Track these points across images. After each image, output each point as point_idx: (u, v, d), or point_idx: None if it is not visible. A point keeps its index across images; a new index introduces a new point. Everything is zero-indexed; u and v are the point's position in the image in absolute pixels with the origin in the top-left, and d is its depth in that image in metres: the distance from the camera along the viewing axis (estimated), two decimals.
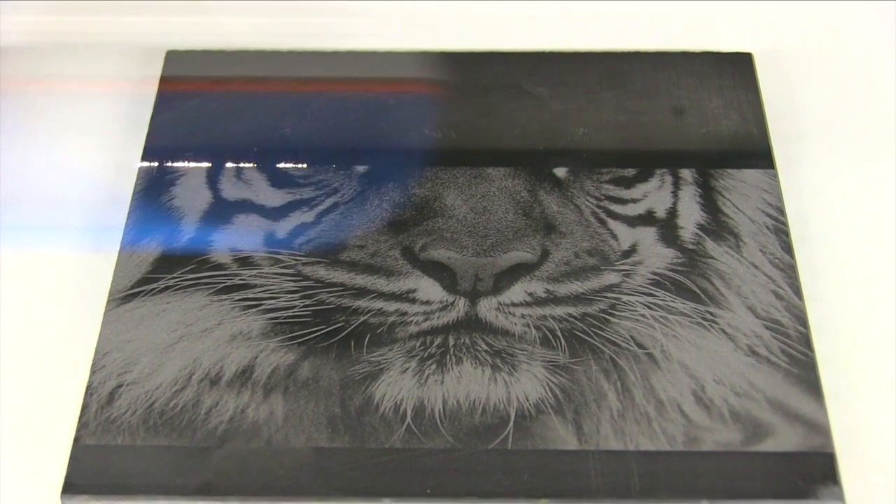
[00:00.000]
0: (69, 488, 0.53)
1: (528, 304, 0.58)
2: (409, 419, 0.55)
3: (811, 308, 0.59)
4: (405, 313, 0.58)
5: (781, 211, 0.62)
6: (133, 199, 0.62)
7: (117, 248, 0.61)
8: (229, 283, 0.59)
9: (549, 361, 0.56)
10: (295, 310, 0.58)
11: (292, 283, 0.59)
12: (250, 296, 0.59)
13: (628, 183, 0.63)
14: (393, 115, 0.66)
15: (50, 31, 0.74)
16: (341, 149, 0.64)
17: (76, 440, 0.54)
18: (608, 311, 0.58)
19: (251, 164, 0.64)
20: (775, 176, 0.63)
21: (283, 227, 0.61)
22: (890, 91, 0.70)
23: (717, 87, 0.67)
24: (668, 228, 0.61)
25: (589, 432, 0.55)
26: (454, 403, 0.55)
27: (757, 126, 0.66)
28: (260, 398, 0.56)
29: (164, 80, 0.68)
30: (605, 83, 0.68)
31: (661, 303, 0.58)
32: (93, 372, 0.56)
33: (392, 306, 0.58)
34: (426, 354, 0.56)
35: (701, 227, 0.61)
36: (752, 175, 0.63)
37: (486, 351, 0.57)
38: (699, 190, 0.63)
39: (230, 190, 0.63)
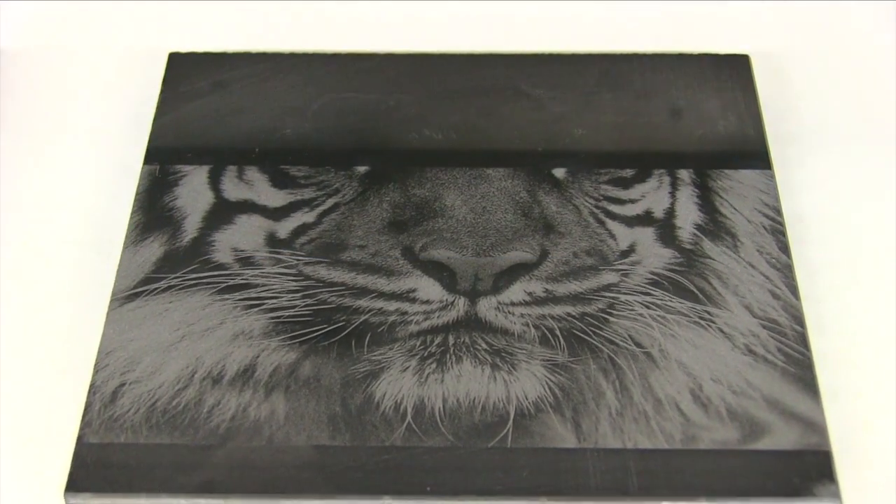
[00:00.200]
0: (72, 486, 0.53)
1: (527, 304, 0.58)
2: (409, 417, 0.55)
3: (808, 307, 0.59)
4: (405, 313, 0.58)
5: (778, 211, 0.62)
6: (136, 200, 0.63)
7: (120, 247, 0.61)
8: (231, 282, 0.59)
9: (548, 360, 0.56)
10: (296, 309, 0.58)
11: (293, 283, 0.59)
12: (252, 295, 0.59)
13: (626, 183, 0.63)
14: (393, 116, 0.66)
15: (54, 33, 0.74)
16: (342, 150, 0.65)
17: (79, 438, 0.54)
18: (607, 311, 0.58)
19: (253, 165, 0.64)
20: (772, 176, 0.63)
21: (284, 228, 0.61)
22: (886, 92, 0.70)
23: (714, 88, 0.67)
24: (665, 228, 0.61)
25: (587, 431, 0.55)
26: (454, 402, 0.55)
27: (754, 127, 0.66)
28: (261, 397, 0.56)
29: (166, 82, 0.68)
30: (603, 85, 0.68)
31: (659, 302, 0.58)
32: (96, 371, 0.56)
33: (392, 306, 0.58)
34: (426, 353, 0.56)
35: (698, 227, 0.61)
36: (749, 175, 0.63)
37: (485, 350, 0.57)
38: (697, 190, 0.63)
39: (232, 190, 0.63)
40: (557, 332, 0.57)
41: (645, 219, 0.62)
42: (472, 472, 0.54)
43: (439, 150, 0.64)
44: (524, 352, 0.57)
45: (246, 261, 0.60)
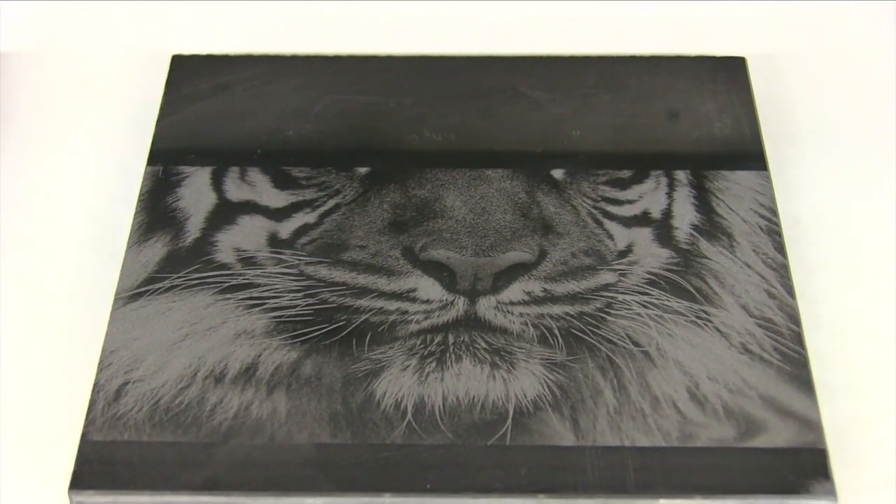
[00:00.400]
0: (77, 483, 0.53)
1: (526, 303, 0.58)
2: (409, 416, 0.55)
3: (803, 306, 0.59)
4: (406, 312, 0.58)
5: (774, 212, 0.62)
6: (139, 200, 0.63)
7: (124, 248, 0.61)
8: (233, 282, 0.59)
9: (546, 359, 0.57)
10: (298, 309, 0.58)
11: (295, 283, 0.59)
12: (254, 295, 0.59)
13: (624, 184, 0.63)
14: (394, 117, 0.67)
15: (58, 35, 0.74)
16: (343, 151, 0.65)
17: (83, 436, 0.54)
18: (604, 310, 0.58)
19: (255, 166, 0.64)
20: (768, 177, 0.63)
21: (286, 228, 0.61)
22: (881, 94, 0.70)
23: (710, 90, 0.68)
24: (663, 229, 0.62)
25: (585, 428, 0.55)
26: (454, 400, 0.55)
27: (750, 128, 0.66)
28: (263, 395, 0.56)
29: (169, 84, 0.68)
30: (601, 87, 0.68)
31: (656, 301, 0.58)
32: (100, 369, 0.56)
33: (393, 305, 0.58)
34: (426, 352, 0.57)
35: (695, 227, 0.62)
36: (745, 176, 0.63)
37: (485, 349, 0.57)
38: (693, 191, 0.63)
39: (234, 191, 0.63)
40: (556, 332, 0.57)
41: (642, 219, 0.62)
42: (471, 469, 0.54)
43: (439, 152, 0.65)
44: (523, 351, 0.57)
45: (248, 261, 0.60)
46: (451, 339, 0.57)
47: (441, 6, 0.75)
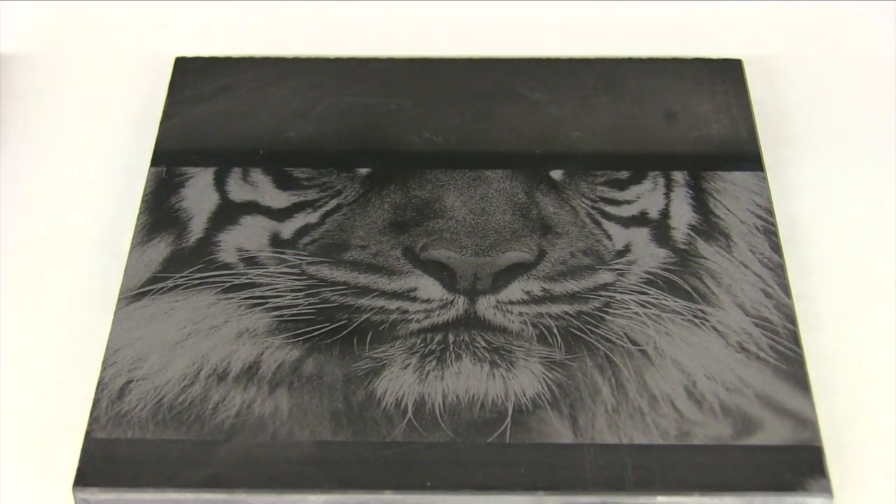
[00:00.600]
0: (81, 480, 0.53)
1: (525, 303, 0.58)
2: (409, 414, 0.55)
3: (799, 306, 0.59)
4: (406, 311, 0.58)
5: (770, 212, 0.62)
6: (143, 201, 0.63)
7: (128, 248, 0.61)
8: (236, 282, 0.59)
9: (545, 358, 0.57)
10: (299, 308, 0.58)
11: (297, 282, 0.59)
12: (256, 294, 0.59)
13: (622, 185, 0.63)
14: (394, 119, 0.67)
15: (64, 38, 0.74)
16: (344, 152, 0.65)
17: (88, 434, 0.55)
18: (603, 309, 0.58)
19: (257, 167, 0.64)
20: (764, 178, 0.64)
21: (288, 228, 0.62)
22: (875, 96, 0.70)
23: (707, 92, 0.68)
24: (660, 229, 0.62)
25: (584, 426, 0.55)
26: (454, 398, 0.55)
27: (746, 130, 0.66)
28: (265, 393, 0.56)
29: (172, 86, 0.68)
30: (599, 88, 0.68)
31: (654, 301, 0.59)
32: (104, 368, 0.57)
33: (393, 304, 0.58)
34: (427, 351, 0.57)
35: (692, 227, 0.62)
36: (741, 177, 0.64)
37: (484, 348, 0.57)
38: (691, 192, 0.63)
39: (237, 192, 0.63)
40: (555, 331, 0.57)
41: (640, 219, 0.62)
42: (471, 466, 0.54)
43: (439, 153, 0.65)
44: (522, 349, 0.57)
45: (250, 261, 0.60)
46: (451, 337, 0.57)
47: (442, 9, 0.75)
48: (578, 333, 0.58)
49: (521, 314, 0.58)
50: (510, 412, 0.55)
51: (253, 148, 0.65)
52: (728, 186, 0.63)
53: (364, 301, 0.58)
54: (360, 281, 0.59)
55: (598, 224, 0.62)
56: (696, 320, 0.58)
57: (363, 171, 0.64)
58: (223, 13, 0.75)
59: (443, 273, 0.59)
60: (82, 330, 0.60)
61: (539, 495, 0.53)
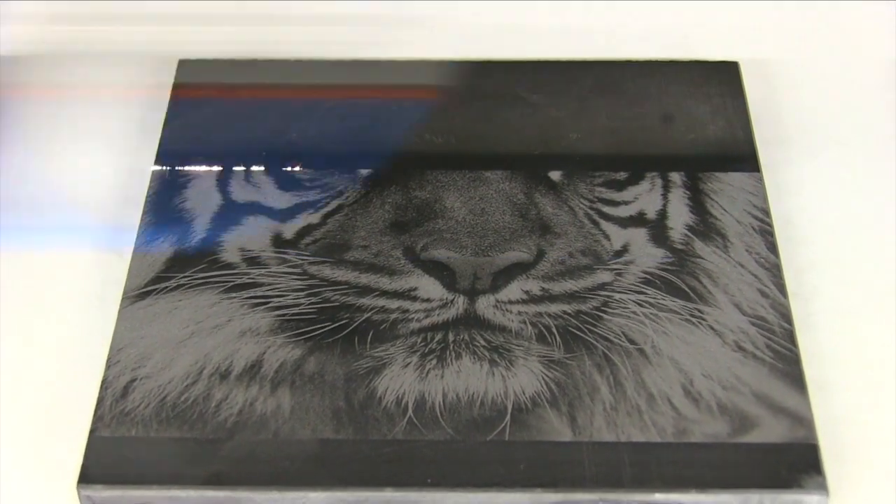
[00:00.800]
0: (85, 478, 0.53)
1: (524, 302, 0.58)
2: (410, 412, 0.55)
3: (795, 305, 0.59)
4: (407, 310, 0.58)
5: (766, 212, 0.62)
6: (146, 202, 0.63)
7: (131, 247, 0.61)
8: (238, 281, 0.60)
9: (544, 357, 0.57)
10: (301, 307, 0.58)
11: (299, 282, 0.59)
12: (258, 294, 0.59)
13: (620, 186, 0.64)
14: (395, 120, 0.67)
15: (67, 40, 0.74)
16: (346, 153, 0.65)
17: (92, 432, 0.55)
18: (601, 309, 0.58)
19: (260, 168, 0.64)
20: (760, 179, 0.64)
21: (290, 228, 0.62)
22: (869, 97, 0.70)
23: (704, 94, 0.68)
24: (658, 229, 0.62)
25: (583, 424, 0.55)
26: (454, 397, 0.55)
27: (743, 131, 0.66)
28: (268, 392, 0.56)
29: (176, 88, 0.68)
30: (597, 91, 0.68)
31: (651, 300, 0.59)
32: (108, 367, 0.57)
33: (394, 304, 0.58)
34: (427, 350, 0.57)
35: (690, 227, 0.62)
36: (738, 178, 0.64)
37: (484, 347, 0.57)
38: (688, 192, 0.63)
39: (239, 192, 0.64)
40: (553, 330, 0.58)
41: (638, 220, 0.62)
42: (471, 464, 0.54)
43: (440, 154, 0.65)
44: (521, 348, 0.57)
45: (253, 260, 0.60)
46: (451, 337, 0.57)
47: (442, 12, 0.75)
48: (577, 332, 0.58)
49: (520, 313, 0.58)
50: (510, 410, 0.55)
51: (255, 149, 0.65)
52: (725, 187, 0.64)
53: (365, 300, 0.59)
54: (361, 281, 0.59)
55: (596, 224, 0.62)
56: (694, 319, 0.58)
57: (364, 171, 0.64)
58: (226, 16, 0.75)
59: (443, 273, 0.59)
60: (86, 329, 0.60)
61: (538, 492, 0.53)
